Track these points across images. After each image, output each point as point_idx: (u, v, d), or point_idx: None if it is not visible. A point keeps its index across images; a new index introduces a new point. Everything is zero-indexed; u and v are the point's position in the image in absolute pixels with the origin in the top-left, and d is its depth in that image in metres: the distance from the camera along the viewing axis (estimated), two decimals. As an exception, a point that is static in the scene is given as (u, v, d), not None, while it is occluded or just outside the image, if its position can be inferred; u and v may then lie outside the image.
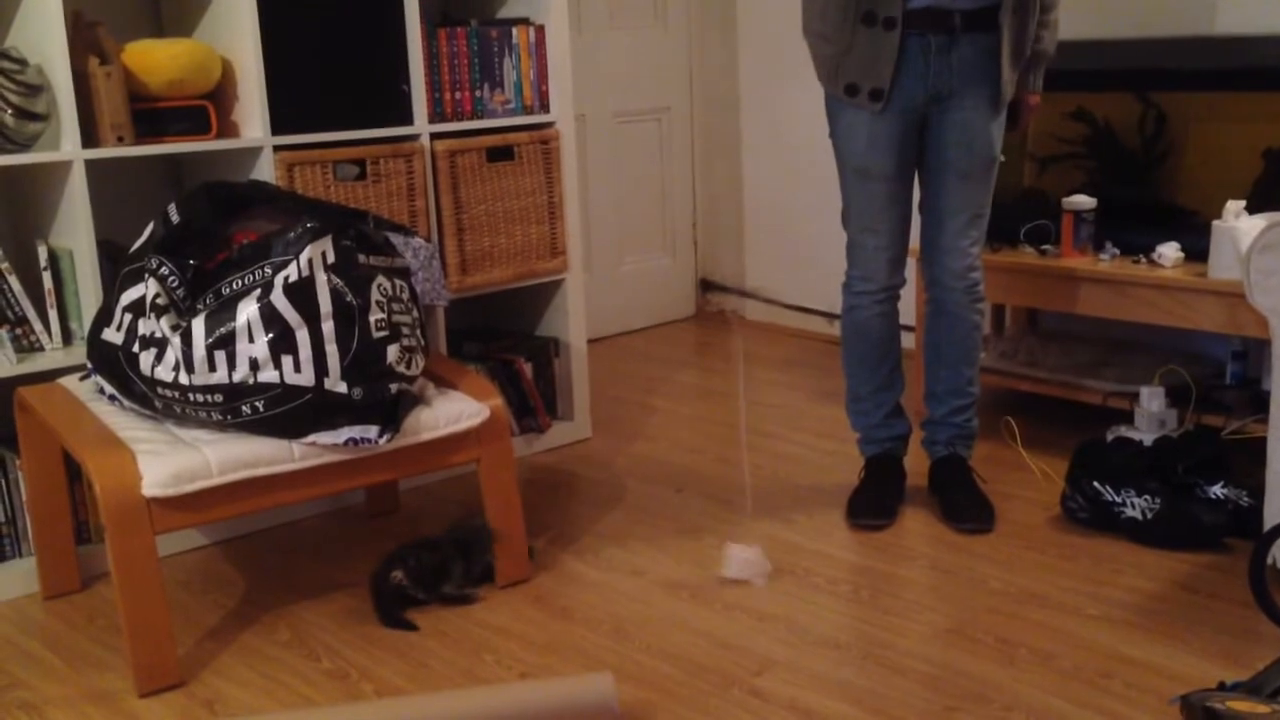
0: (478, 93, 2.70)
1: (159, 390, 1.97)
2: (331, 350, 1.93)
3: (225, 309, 1.93)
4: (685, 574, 2.24)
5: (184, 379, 1.93)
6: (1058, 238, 2.88)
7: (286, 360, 1.92)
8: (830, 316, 3.87)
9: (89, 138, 2.26)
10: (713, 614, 2.07)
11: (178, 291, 1.98)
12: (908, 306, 2.62)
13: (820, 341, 3.83)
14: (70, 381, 2.21)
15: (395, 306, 2.02)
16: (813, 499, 2.55)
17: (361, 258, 1.98)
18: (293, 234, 1.94)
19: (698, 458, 2.85)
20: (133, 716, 1.82)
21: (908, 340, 3.08)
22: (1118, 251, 2.80)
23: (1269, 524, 2.03)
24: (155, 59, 2.30)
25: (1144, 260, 2.74)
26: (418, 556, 2.11)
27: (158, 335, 1.96)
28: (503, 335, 2.98)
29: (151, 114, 2.33)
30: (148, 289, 1.99)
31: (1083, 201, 2.81)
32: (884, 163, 2.28)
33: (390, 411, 2.01)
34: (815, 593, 2.14)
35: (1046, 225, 2.90)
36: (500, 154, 2.72)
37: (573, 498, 2.63)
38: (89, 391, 2.15)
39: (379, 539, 2.45)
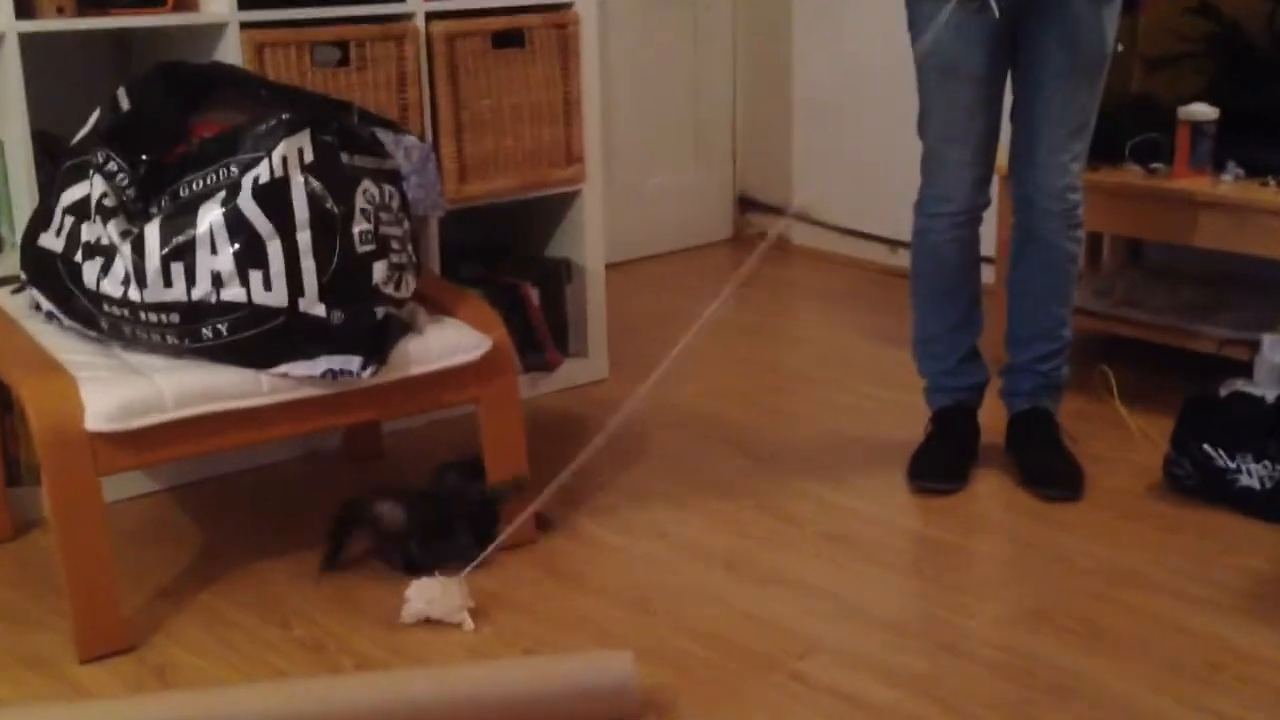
0: (483, -37, 2.66)
1: (105, 307, 1.96)
2: (308, 265, 1.92)
3: (183, 214, 1.91)
4: (717, 539, 2.24)
5: (134, 295, 1.92)
6: (1170, 155, 2.83)
7: (255, 276, 1.91)
8: (893, 244, 3.83)
9: (23, 7, 2.23)
10: (749, 586, 2.08)
11: (128, 192, 1.96)
12: (989, 233, 2.59)
13: (880, 273, 3.81)
14: (1, 295, 2.20)
15: (383, 216, 2.01)
16: (869, 457, 2.54)
17: (345, 157, 1.96)
18: (264, 127, 1.92)
19: (732, 404, 2.84)
20: (74, 684, 1.82)
21: (988, 274, 3.06)
22: (1241, 172, 2.75)
23: None
24: (101, -86, 2.27)
25: (1272, 183, 2.70)
26: (424, 509, 2.11)
27: (104, 242, 1.94)
28: (506, 256, 2.96)
29: (96, -19, 2.31)
30: (92, 188, 1.97)
31: (1201, 112, 2.76)
32: (973, 59, 2.23)
33: (375, 340, 2.00)
34: (871, 565, 2.14)
35: (1157, 139, 2.85)
36: (508, 39, 2.68)
37: (585, 448, 2.63)
38: (22, 307, 2.14)
39: (359, 489, 2.44)
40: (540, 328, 2.89)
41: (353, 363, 1.97)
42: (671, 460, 2.57)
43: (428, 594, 1.96)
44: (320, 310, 1.94)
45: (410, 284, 2.08)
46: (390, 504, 2.13)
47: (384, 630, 1.95)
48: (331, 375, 1.97)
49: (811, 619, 1.97)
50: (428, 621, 1.96)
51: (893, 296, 3.53)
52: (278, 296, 1.92)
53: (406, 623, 1.95)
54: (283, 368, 1.96)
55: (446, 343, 2.09)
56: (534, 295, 2.86)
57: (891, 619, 1.97)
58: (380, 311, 2.00)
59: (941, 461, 2.42)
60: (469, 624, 1.94)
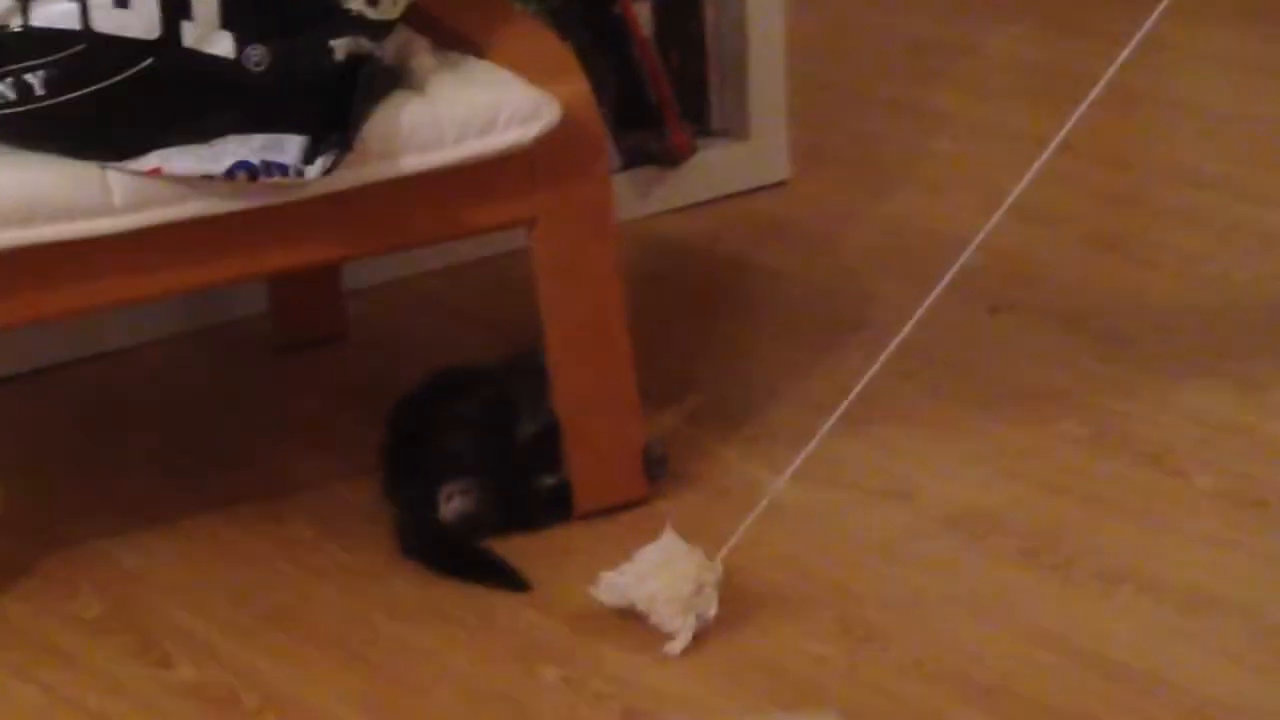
0: None
1: None
2: (198, -43, 1.91)
3: None
4: (1009, 501, 2.26)
5: None
6: None
7: (97, -19, 1.91)
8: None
9: None
10: (1074, 592, 2.11)
11: None
12: None
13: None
14: None
15: None
16: None
17: None
18: None
19: (1045, 236, 2.80)
20: None
21: None
22: None
23: None
24: None
25: None
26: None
27: None
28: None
29: None
30: None
31: None
32: None
33: (332, 104, 2.00)
34: None
35: None
36: None
37: (749, 321, 2.65)
38: None
39: (306, 397, 2.49)
40: (655, 80, 2.88)
41: (289, 147, 1.98)
42: (917, 343, 2.53)
43: (652, 566, 2.04)
44: (225, 45, 1.96)
45: (400, -7, 2.05)
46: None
47: (356, 676, 2.00)
48: (248, 172, 1.97)
49: (1204, 657, 1.98)
50: (622, 613, 2.05)
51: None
52: (142, 19, 1.94)
53: (604, 602, 2.05)
54: (153, 158, 1.97)
55: (473, 108, 2.08)
56: (642, 15, 2.86)
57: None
58: (341, 48, 1.99)
59: None
60: (678, 646, 2.03)
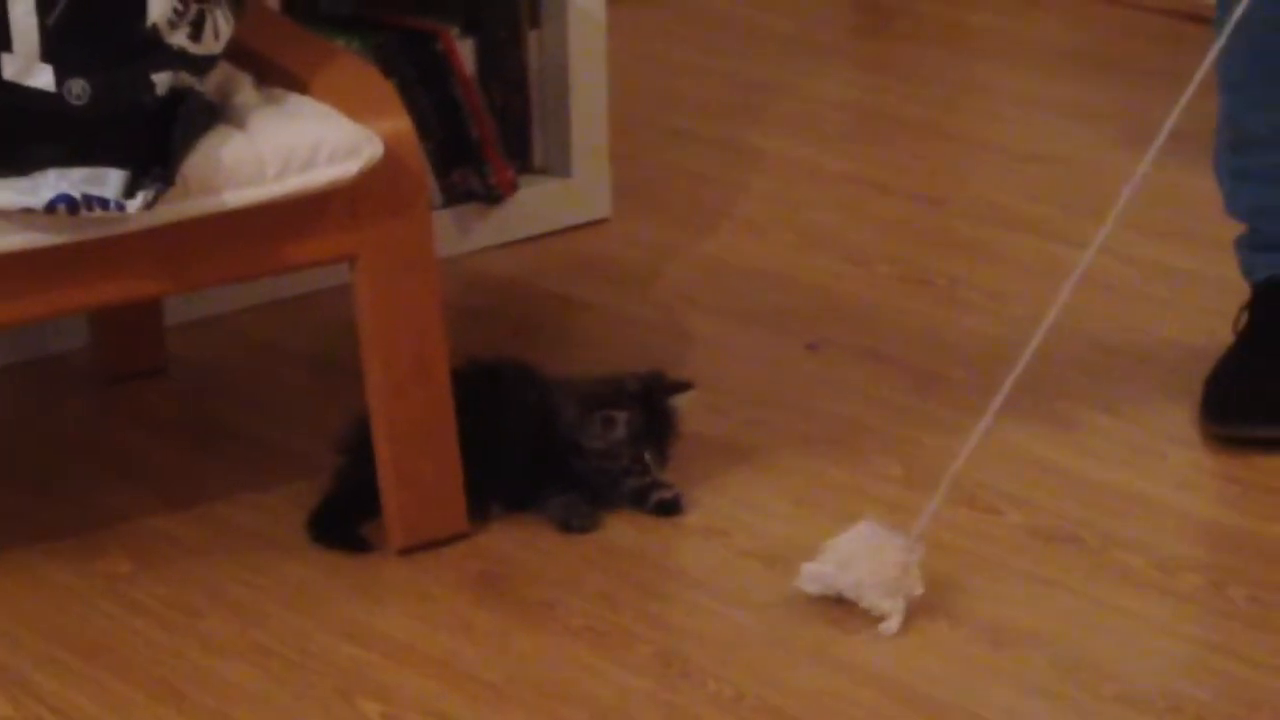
0: None
1: None
2: (20, -11, 1.92)
3: None
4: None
5: None
6: None
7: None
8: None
9: None
10: (901, 631, 2.09)
11: None
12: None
13: (1162, 20, 3.77)
14: None
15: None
16: (1131, 378, 2.59)
17: None
18: None
19: (854, 271, 2.81)
20: None
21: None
22: None
23: None
24: None
25: None
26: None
27: None
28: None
29: None
30: None
31: None
32: None
33: (153, 137, 2.00)
34: (1125, 586, 2.16)
35: None
36: None
37: (569, 357, 2.62)
38: None
39: (126, 431, 2.47)
40: (478, 117, 2.88)
41: (109, 181, 1.97)
42: (730, 381, 2.54)
43: (853, 554, 2.09)
44: (45, 78, 1.95)
45: (222, 27, 2.06)
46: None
47: (176, 711, 1.96)
48: (68, 206, 1.96)
49: (1015, 692, 1.99)
50: (825, 600, 2.09)
51: (1180, 63, 3.51)
52: (-39, 52, 1.91)
53: (809, 593, 2.10)
54: (-30, 192, 1.95)
55: (294, 144, 2.08)
56: (463, 52, 2.86)
57: (1169, 687, 1.97)
58: (163, 81, 1.99)
59: (1264, 386, 2.44)
60: (893, 625, 2.07)
